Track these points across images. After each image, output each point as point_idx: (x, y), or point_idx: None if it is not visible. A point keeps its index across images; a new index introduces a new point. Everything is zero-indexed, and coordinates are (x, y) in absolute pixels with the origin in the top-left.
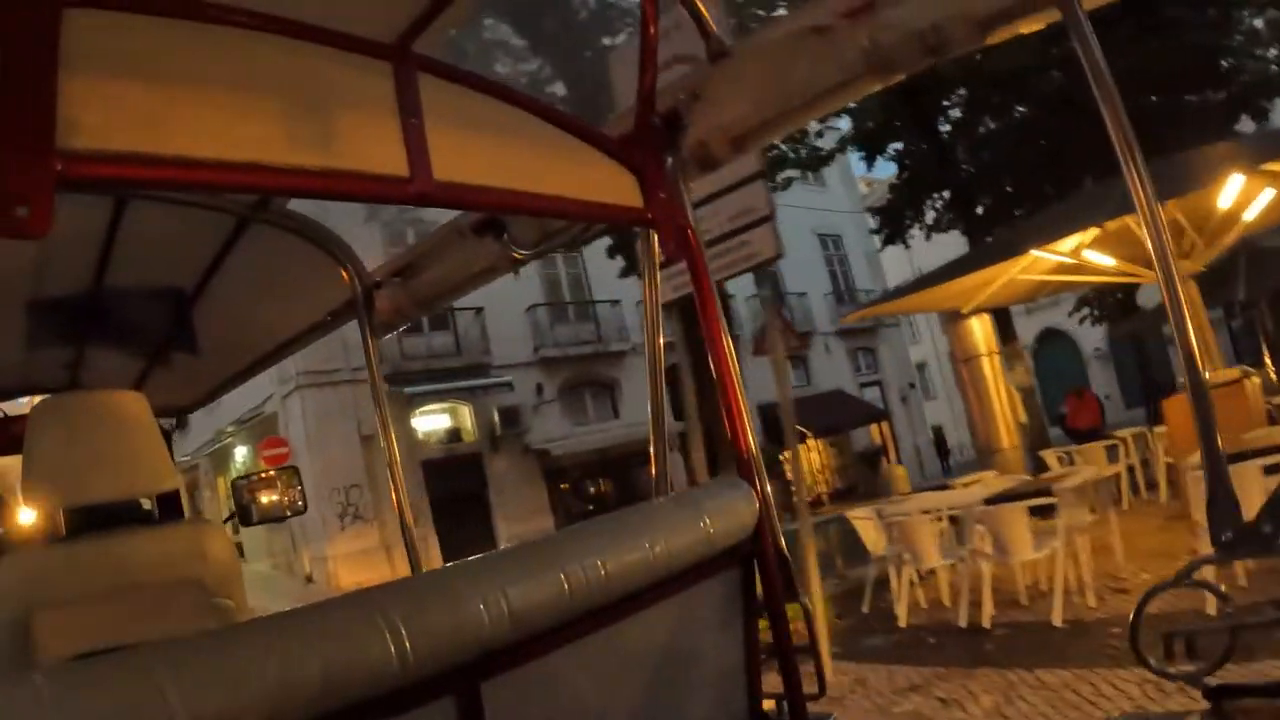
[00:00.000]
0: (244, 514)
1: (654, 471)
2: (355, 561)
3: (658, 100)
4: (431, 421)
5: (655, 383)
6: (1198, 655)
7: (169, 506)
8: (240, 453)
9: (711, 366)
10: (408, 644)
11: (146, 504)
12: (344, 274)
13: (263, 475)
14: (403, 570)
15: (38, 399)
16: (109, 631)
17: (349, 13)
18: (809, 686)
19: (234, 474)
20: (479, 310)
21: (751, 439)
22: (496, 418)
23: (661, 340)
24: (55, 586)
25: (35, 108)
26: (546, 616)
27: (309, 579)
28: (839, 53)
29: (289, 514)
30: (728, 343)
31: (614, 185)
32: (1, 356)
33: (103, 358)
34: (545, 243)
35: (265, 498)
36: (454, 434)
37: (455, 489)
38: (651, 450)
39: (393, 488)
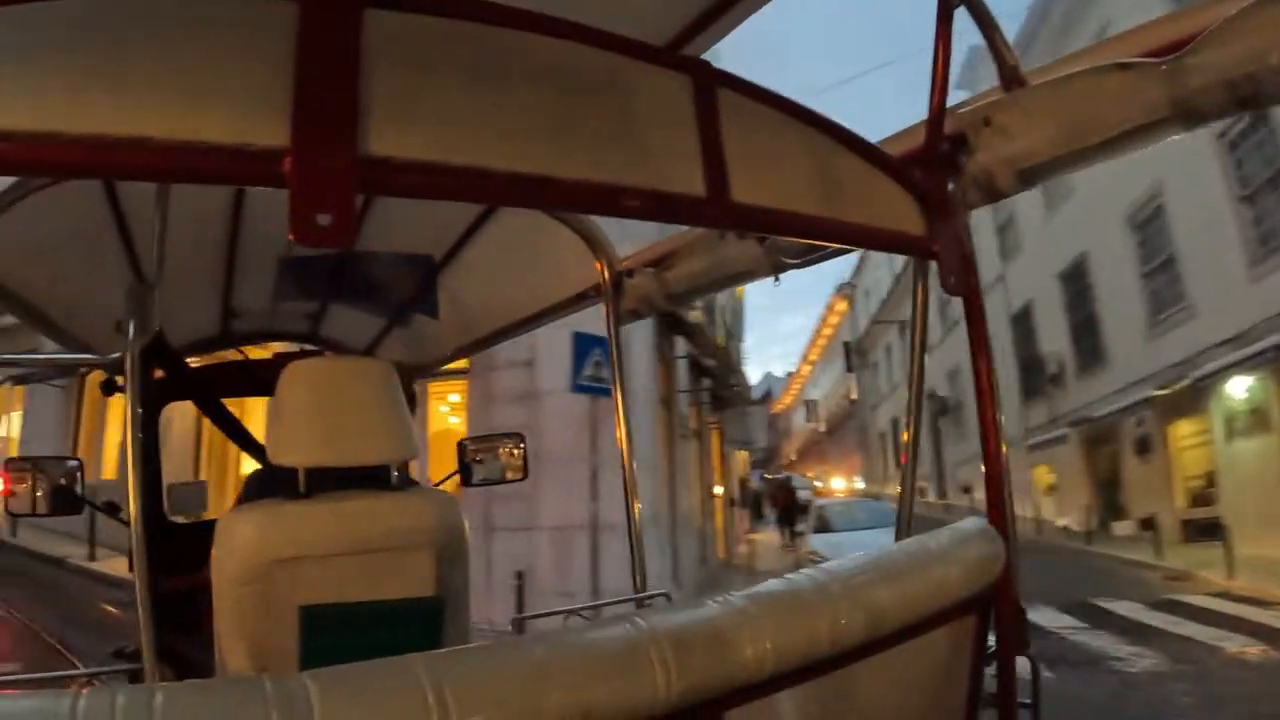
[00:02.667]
0: (465, 473)
1: (901, 513)
2: None
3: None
4: None
5: (915, 422)
6: None
7: (406, 473)
8: None
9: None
10: (674, 677)
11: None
12: (595, 258)
13: (488, 438)
14: None
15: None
16: (336, 589)
17: (631, 16)
18: None
19: None
20: None
21: (1007, 484)
22: None
23: (921, 375)
24: (291, 541)
25: (337, 114)
26: (797, 656)
27: None
28: (1143, 93)
29: (509, 479)
30: (995, 384)
31: (896, 210)
32: (251, 304)
33: (345, 314)
34: (813, 254)
35: (488, 460)
36: None
37: None
38: (900, 490)
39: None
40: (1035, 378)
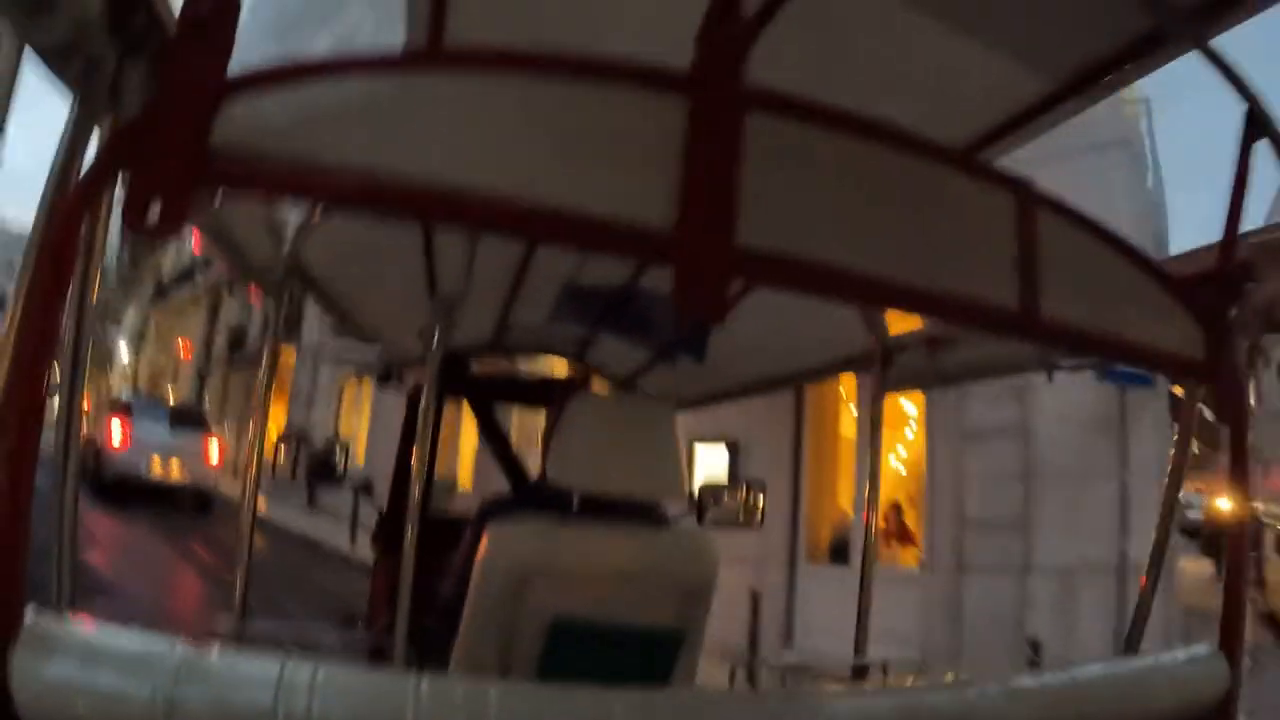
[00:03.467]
0: (699, 513)
1: (1132, 624)
2: None
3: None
4: None
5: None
6: None
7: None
8: None
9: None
10: None
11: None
12: (868, 329)
13: (727, 486)
14: None
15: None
16: (585, 607)
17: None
18: None
19: None
20: None
21: (1249, 606)
22: None
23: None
24: (555, 557)
25: (719, 204)
26: None
27: None
28: None
29: (740, 523)
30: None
31: (1173, 331)
32: (528, 319)
33: (613, 343)
34: (1085, 360)
35: (724, 505)
36: None
37: None
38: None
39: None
40: None
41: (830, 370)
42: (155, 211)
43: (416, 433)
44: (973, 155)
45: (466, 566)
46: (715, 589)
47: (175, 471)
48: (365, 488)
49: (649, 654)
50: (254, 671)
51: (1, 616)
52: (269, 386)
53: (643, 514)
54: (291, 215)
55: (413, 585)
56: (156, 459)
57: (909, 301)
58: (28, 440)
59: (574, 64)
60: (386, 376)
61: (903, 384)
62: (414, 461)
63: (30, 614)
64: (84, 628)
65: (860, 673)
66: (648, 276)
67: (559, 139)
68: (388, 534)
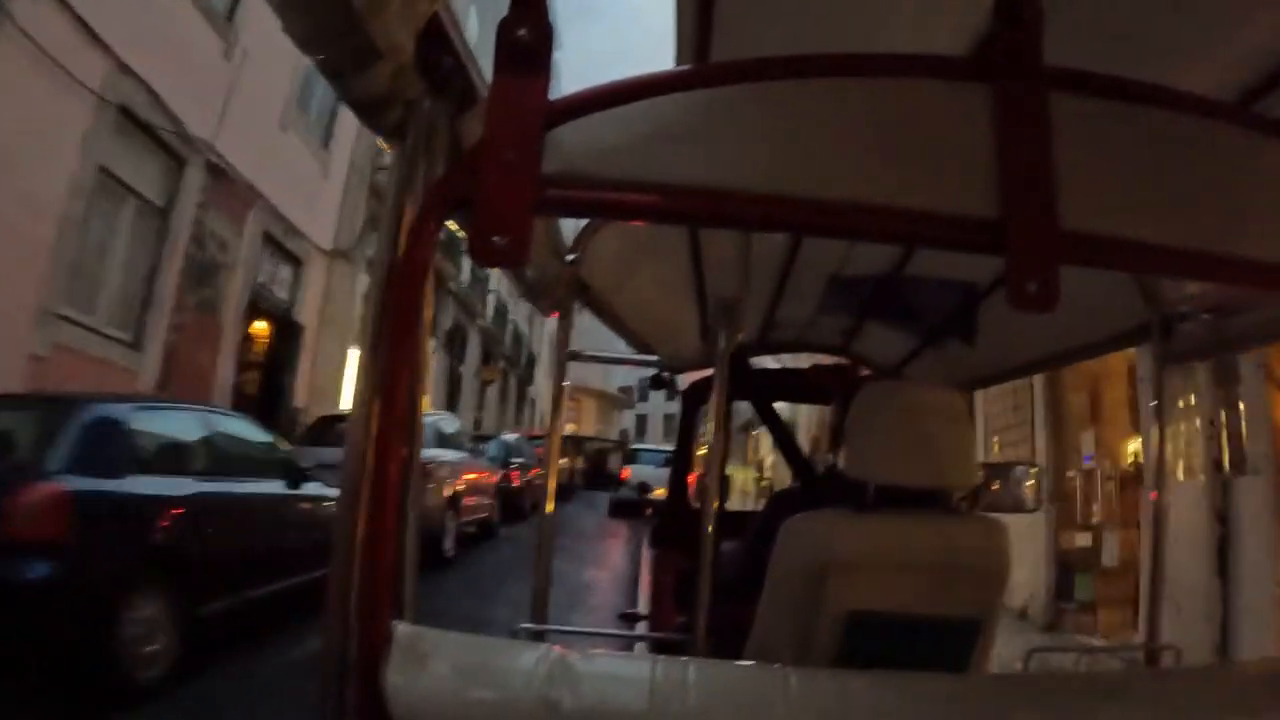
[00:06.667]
0: (974, 497)
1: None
2: None
3: None
4: None
5: None
6: None
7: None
8: None
9: None
10: None
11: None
12: (1144, 299)
13: (1005, 464)
14: None
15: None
16: (881, 599)
17: None
18: None
19: None
20: None
21: None
22: None
23: None
24: (851, 548)
25: (1041, 189)
26: None
27: None
28: None
29: (1017, 509)
30: None
31: None
32: (793, 316)
33: (879, 331)
34: None
35: (1003, 486)
36: None
37: None
38: None
39: None
40: None
41: (1103, 346)
42: (500, 241)
43: (693, 432)
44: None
45: (755, 561)
46: (1008, 575)
47: None
48: (642, 487)
49: (947, 644)
50: (627, 671)
51: (373, 631)
52: (558, 403)
53: (935, 502)
54: (569, 233)
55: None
56: None
57: (1228, 272)
58: (396, 464)
59: (876, 62)
60: (660, 382)
61: (1184, 355)
62: (697, 460)
63: (400, 628)
64: (450, 638)
65: (1153, 657)
66: (912, 262)
67: (868, 137)
68: (667, 531)
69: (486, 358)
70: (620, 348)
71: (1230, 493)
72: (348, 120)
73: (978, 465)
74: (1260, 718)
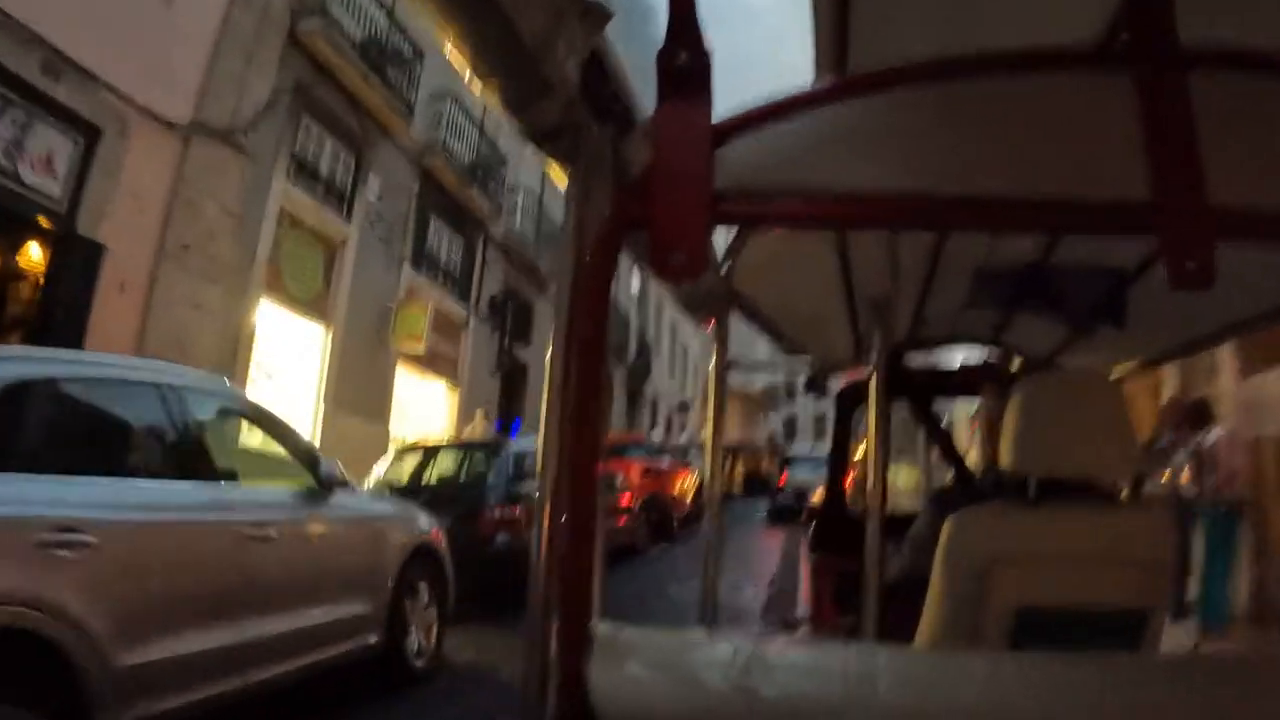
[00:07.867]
0: (1136, 486)
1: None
2: None
3: None
4: None
5: None
6: None
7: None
8: None
9: None
10: None
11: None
12: None
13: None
14: None
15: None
16: (1049, 592)
17: None
18: None
19: None
20: None
21: None
22: None
23: None
24: (1017, 543)
25: (1189, 170)
26: None
27: None
28: None
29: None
30: None
31: None
32: (941, 311)
33: (1029, 322)
34: None
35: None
36: None
37: None
38: None
39: None
40: None
41: (1261, 322)
42: (678, 258)
43: (848, 435)
44: None
45: (919, 559)
46: (1172, 563)
47: None
48: (799, 495)
49: (1117, 635)
50: (819, 660)
51: (575, 630)
52: (720, 409)
53: (1098, 492)
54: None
55: (855, 581)
56: None
57: None
58: (592, 472)
59: (1010, 59)
60: (813, 384)
61: None
62: (857, 461)
63: (600, 627)
64: (647, 633)
65: None
66: (1055, 251)
67: (1010, 131)
68: (826, 534)
69: None
70: (760, 352)
71: None
72: None
73: (1140, 452)
74: None
